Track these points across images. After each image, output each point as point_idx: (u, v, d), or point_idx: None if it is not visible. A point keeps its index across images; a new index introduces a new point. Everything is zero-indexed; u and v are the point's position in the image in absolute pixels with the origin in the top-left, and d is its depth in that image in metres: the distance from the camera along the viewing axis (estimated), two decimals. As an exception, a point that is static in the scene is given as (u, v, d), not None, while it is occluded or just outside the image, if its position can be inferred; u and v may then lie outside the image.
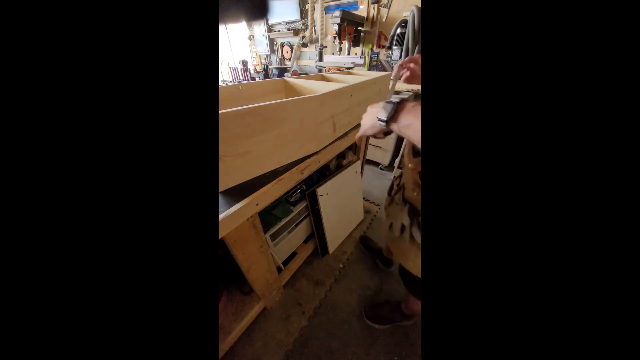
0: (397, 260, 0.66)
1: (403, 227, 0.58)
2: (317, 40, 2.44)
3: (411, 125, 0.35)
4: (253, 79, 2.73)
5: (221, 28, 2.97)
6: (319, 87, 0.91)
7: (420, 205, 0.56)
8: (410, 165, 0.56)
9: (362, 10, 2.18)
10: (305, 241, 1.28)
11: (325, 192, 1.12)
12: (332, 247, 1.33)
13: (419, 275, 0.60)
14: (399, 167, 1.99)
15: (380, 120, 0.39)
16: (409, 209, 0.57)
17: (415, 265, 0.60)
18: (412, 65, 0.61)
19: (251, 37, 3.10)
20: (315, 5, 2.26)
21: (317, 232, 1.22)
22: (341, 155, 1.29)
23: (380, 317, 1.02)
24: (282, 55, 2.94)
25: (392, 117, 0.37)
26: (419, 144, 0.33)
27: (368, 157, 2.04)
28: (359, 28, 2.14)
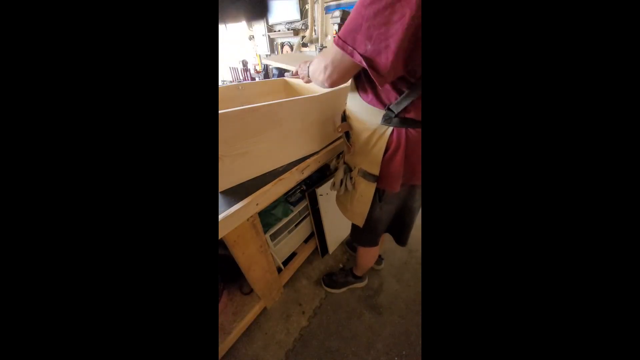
0: (344, 215, 0.81)
1: (341, 182, 0.74)
2: (317, 40, 2.43)
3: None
4: (253, 79, 2.72)
5: (221, 27, 2.96)
6: (319, 87, 0.91)
7: (352, 163, 0.70)
8: (339, 129, 0.67)
9: (362, 11, 2.17)
10: (305, 241, 1.28)
11: (325, 192, 1.12)
12: (332, 247, 1.33)
13: (353, 220, 0.76)
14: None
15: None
16: (344, 168, 0.73)
17: (351, 211, 0.75)
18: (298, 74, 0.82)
19: (251, 37, 3.10)
20: (315, 5, 2.25)
21: (317, 232, 1.22)
22: (341, 155, 1.28)
23: (336, 283, 1.17)
24: (283, 56, 2.93)
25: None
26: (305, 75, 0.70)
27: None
28: (359, 28, 2.13)
